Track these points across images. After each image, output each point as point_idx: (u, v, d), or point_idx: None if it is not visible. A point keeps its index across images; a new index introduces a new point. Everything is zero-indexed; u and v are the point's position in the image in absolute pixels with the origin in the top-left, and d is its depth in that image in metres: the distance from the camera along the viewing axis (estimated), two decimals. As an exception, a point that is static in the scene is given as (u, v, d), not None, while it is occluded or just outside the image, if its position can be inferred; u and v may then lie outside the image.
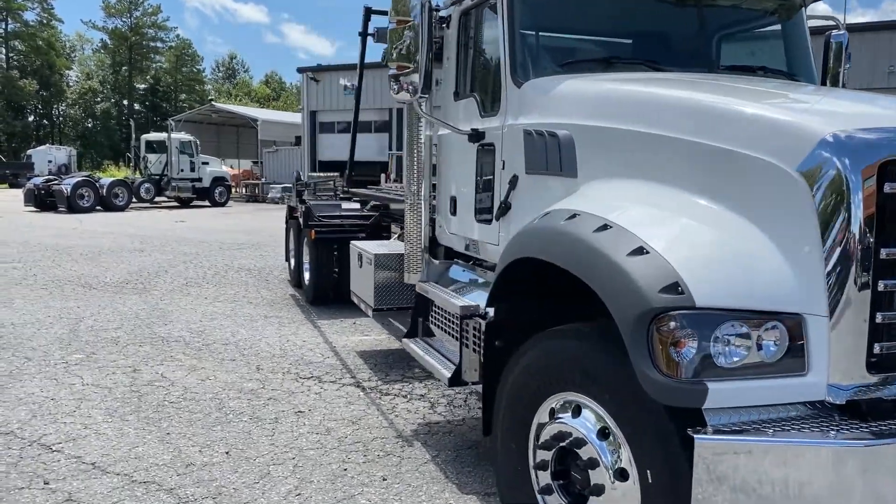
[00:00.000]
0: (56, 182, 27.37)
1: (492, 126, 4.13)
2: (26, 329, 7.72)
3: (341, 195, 10.02)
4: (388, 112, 35.02)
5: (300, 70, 38.43)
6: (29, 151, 53.18)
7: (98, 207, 27.09)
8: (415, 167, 4.94)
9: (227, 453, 4.53)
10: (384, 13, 6.12)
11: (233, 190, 34.96)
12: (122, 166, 56.33)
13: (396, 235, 7.46)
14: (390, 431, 4.96)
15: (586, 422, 2.82)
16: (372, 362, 6.72)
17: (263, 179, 38.24)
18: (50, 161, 46.88)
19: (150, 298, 9.67)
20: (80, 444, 4.61)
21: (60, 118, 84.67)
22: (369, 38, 6.35)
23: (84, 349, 6.96)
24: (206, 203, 31.89)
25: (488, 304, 3.41)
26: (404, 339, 5.13)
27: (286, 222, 11.46)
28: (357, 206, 9.42)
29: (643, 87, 3.31)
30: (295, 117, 45.42)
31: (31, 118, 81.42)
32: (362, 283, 6.57)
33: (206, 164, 32.08)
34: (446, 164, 4.90)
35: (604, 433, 2.76)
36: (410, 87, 4.01)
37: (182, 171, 30.83)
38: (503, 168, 3.96)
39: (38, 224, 21.27)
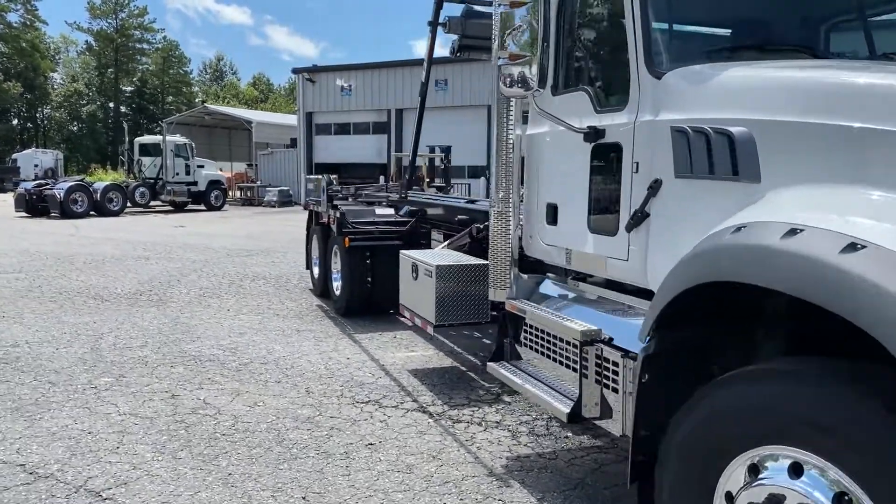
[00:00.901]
0: (48, 186, 26.54)
1: (617, 123, 3.60)
2: (44, 348, 7.10)
3: (382, 200, 9.46)
4: (386, 113, 34.45)
5: (295, 71, 37.75)
6: (14, 155, 52.06)
7: (92, 212, 26.30)
8: (503, 171, 4.40)
9: (303, 498, 3.97)
10: (462, 0, 5.60)
11: (228, 193, 34.20)
12: (110, 170, 55.35)
13: (446, 243, 6.92)
14: (479, 468, 4.41)
15: (815, 484, 2.29)
16: (429, 382, 6.17)
17: (259, 182, 37.52)
18: (36, 165, 45.88)
19: (169, 311, 9.06)
20: (133, 490, 4.03)
21: (45, 121, 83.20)
22: (440, 29, 5.78)
23: (111, 371, 6.36)
24: (202, 207, 31.15)
25: (649, 334, 2.87)
26: (490, 364, 4.59)
27: (308, 229, 10.87)
28: (391, 211, 8.87)
29: (841, 74, 2.79)
30: (290, 119, 44.73)
31: (14, 121, 79.91)
32: (418, 297, 6.04)
33: (202, 167, 31.35)
34: (542, 166, 4.36)
35: (842, 499, 2.24)
36: (524, 79, 3.47)
37: (177, 174, 30.07)
38: (636, 171, 3.44)
39: (33, 230, 20.51)
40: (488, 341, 7.69)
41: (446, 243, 6.94)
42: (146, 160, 30.49)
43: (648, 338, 2.90)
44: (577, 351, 3.61)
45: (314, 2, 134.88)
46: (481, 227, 6.23)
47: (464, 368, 6.65)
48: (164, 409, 5.39)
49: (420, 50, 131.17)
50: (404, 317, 6.51)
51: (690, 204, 3.09)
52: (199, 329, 8.10)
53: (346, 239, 8.30)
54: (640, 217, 3.38)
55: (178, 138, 31.34)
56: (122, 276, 12.00)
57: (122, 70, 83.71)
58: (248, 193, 36.67)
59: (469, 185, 28.62)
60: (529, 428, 5.13)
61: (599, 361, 3.55)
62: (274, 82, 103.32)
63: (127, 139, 32.80)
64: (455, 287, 5.74)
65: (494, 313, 6.06)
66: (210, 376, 6.26)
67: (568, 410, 3.63)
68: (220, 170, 34.61)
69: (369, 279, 8.63)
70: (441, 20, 5.46)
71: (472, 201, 8.16)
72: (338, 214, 8.33)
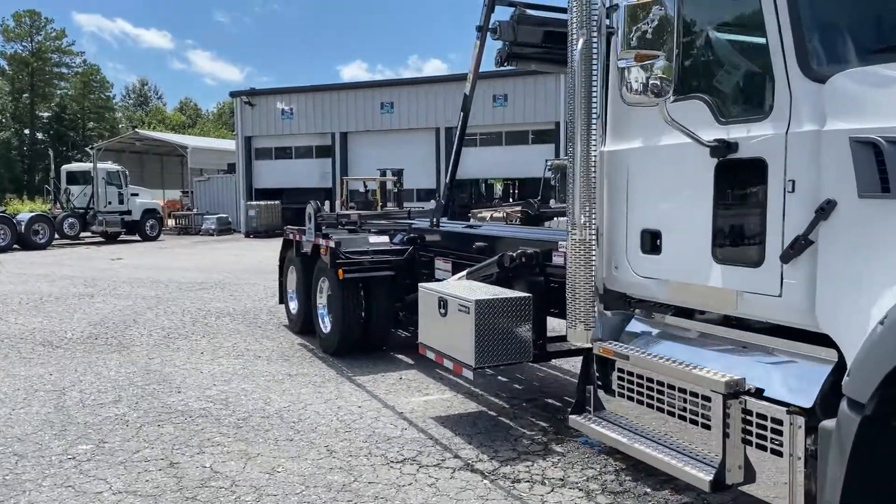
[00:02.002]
0: (-36, 219, 24.48)
1: (755, 135, 3.07)
2: (-3, 410, 6.06)
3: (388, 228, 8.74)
4: (330, 136, 33.59)
5: (233, 94, 36.46)
6: (-79, 186, 48.43)
7: (16, 246, 24.37)
8: (584, 192, 3.82)
9: None
10: (513, 4, 5.01)
11: (164, 222, 32.51)
12: (27, 199, 52.15)
13: (464, 274, 6.27)
14: (569, 540, 3.76)
15: None
16: (462, 432, 5.48)
17: (195, 210, 35.88)
18: (-53, 196, 42.75)
19: (134, 357, 8.05)
20: None
21: (-46, 149, 78.07)
22: (487, 34, 5.17)
23: (88, 436, 5.41)
24: (136, 237, 29.44)
25: (879, 389, 2.31)
26: (575, 419, 3.98)
27: (282, 260, 10.01)
28: (385, 238, 8.17)
29: None
30: (226, 144, 43.23)
31: (-81, 150, 74.66)
32: (448, 336, 5.38)
33: (136, 195, 29.70)
34: (636, 187, 3.80)
35: None
36: (655, 84, 2.90)
37: (110, 203, 28.36)
38: (790, 191, 2.91)
39: (-49, 267, 18.70)
40: (504, 379, 7.07)
41: (464, 273, 6.29)
42: (75, 189, 28.62)
43: (868, 397, 2.34)
44: (715, 404, 3.04)
45: (237, 27, 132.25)
46: (514, 255, 5.62)
47: (493, 413, 5.99)
48: (166, 482, 4.52)
49: (348, 74, 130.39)
50: (429, 358, 5.82)
51: (884, 229, 2.57)
52: (177, 377, 7.16)
53: (341, 271, 7.54)
54: (801, 245, 2.84)
55: (111, 165, 29.65)
56: (68, 316, 10.81)
57: (38, 95, 79.60)
58: (184, 222, 34.98)
59: (422, 207, 28.07)
60: (600, 484, 4.50)
61: (746, 417, 2.98)
62: (204, 107, 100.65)
63: (53, 167, 30.77)
64: (496, 324, 5.13)
65: (537, 352, 5.49)
66: (208, 436, 5.40)
67: (710, 479, 3.04)
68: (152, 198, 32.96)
69: (363, 314, 7.89)
70: (492, 24, 4.89)
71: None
72: (331, 244, 7.57)
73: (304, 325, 9.15)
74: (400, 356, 8.03)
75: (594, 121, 3.76)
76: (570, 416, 3.99)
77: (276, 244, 11.93)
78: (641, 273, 3.76)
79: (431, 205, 32.05)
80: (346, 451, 5.08)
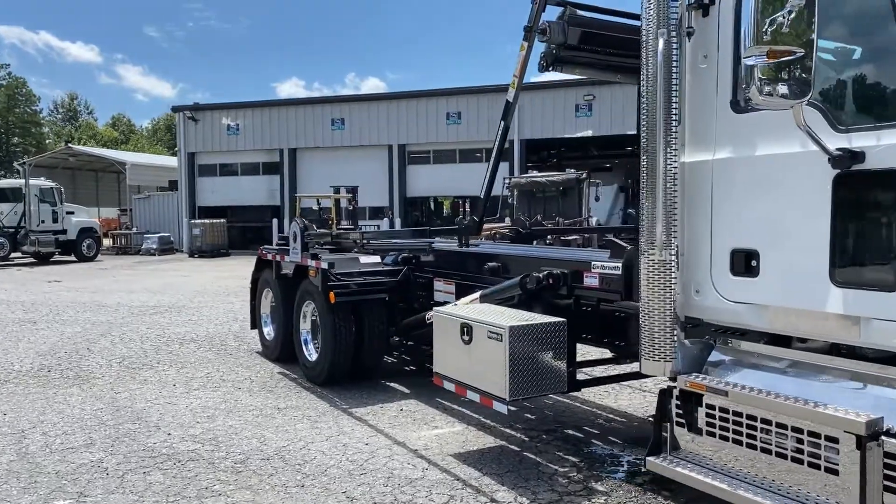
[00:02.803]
0: None
1: (888, 144, 2.75)
2: (-51, 459, 5.26)
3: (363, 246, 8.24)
4: (278, 153, 32.68)
5: (176, 109, 35.11)
6: None
7: (-62, 268, 22.62)
8: (663, 207, 3.45)
9: None
10: (563, 4, 4.59)
11: (101, 242, 30.87)
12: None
13: (476, 296, 5.83)
14: None
15: None
16: (490, 471, 5.01)
17: (135, 229, 34.28)
18: None
19: (98, 392, 7.27)
20: None
21: None
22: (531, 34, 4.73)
23: (64, 488, 4.70)
24: (72, 258, 27.82)
25: None
26: (653, 461, 3.57)
27: (255, 281, 9.34)
28: (377, 259, 7.65)
29: None
30: (167, 160, 41.68)
31: None
32: (474, 366, 4.94)
33: (72, 213, 28.11)
34: (724, 202, 3.44)
35: None
36: (797, 84, 2.55)
37: (43, 222, 26.72)
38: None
39: None
40: (513, 408, 6.62)
41: (477, 296, 5.84)
42: (4, 207, 26.86)
43: None
44: (845, 446, 2.69)
45: (169, 42, 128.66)
46: (541, 276, 5.22)
47: (515, 448, 5.54)
48: (170, 545, 3.89)
49: (284, 91, 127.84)
50: (441, 388, 5.35)
51: None
52: (152, 414, 6.45)
53: (332, 294, 6.98)
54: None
55: (44, 182, 28.01)
56: (12, 346, 9.83)
57: (-42, 108, 75.44)
58: (123, 241, 33.33)
59: (378, 225, 27.41)
60: (661, 528, 4.11)
61: (889, 461, 2.63)
62: (137, 123, 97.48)
63: (-21, 184, 28.87)
64: (530, 352, 4.71)
65: (569, 382, 5.08)
66: (206, 484, 4.77)
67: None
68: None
69: (353, 340, 7.34)
70: (541, 25, 4.48)
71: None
72: (323, 265, 7.01)
73: (282, 351, 8.51)
74: (393, 384, 7.51)
75: (674, 129, 3.40)
76: (648, 459, 3.58)
77: (224, 264, 11.28)
78: (730, 297, 3.40)
79: (384, 223, 31.40)
80: (369, 498, 4.54)
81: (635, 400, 6.90)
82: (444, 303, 6.77)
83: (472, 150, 29.37)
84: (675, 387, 3.51)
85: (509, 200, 24.00)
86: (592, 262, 5.02)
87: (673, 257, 3.46)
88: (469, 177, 29.61)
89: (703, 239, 3.50)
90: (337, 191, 26.01)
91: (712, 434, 3.33)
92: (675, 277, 3.48)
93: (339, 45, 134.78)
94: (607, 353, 5.86)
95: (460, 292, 6.55)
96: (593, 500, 4.50)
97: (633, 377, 5.89)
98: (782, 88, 2.59)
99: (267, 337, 8.99)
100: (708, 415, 3.34)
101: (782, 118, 3.09)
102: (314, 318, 7.75)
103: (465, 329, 5.03)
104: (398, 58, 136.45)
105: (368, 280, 7.29)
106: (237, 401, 6.92)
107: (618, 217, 27.90)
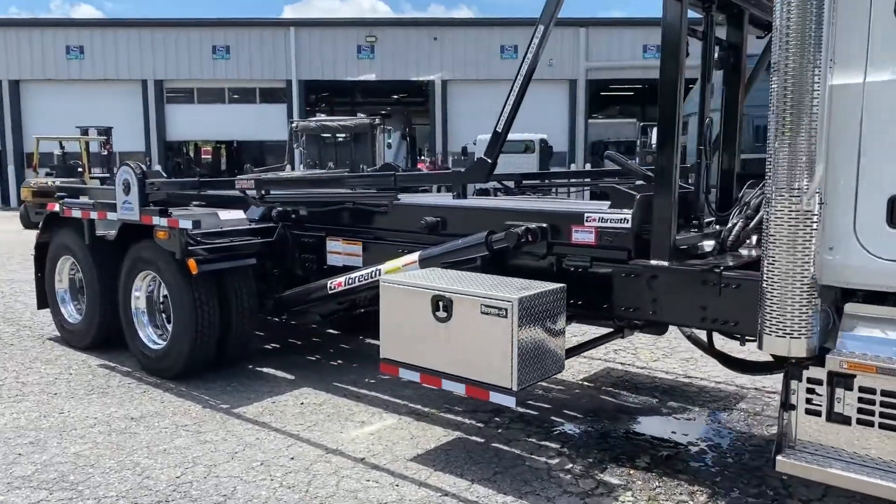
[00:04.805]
0: None
1: None
2: None
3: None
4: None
5: None
6: None
7: None
8: (804, 144, 2.69)
9: None
10: None
11: None
12: None
13: (414, 258, 4.72)
14: None
15: None
16: (470, 475, 4.03)
17: None
18: None
19: None
20: None
21: None
22: None
23: None
24: None
25: None
26: (784, 460, 2.91)
27: (41, 248, 7.04)
28: (240, 214, 6.05)
29: None
30: None
31: None
32: (459, 350, 3.92)
33: None
34: (877, 134, 2.75)
35: None
36: None
37: None
38: None
39: None
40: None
41: (414, 258, 4.71)
42: None
43: None
44: None
45: None
46: (519, 231, 4.26)
47: (477, 439, 4.59)
48: None
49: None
50: (401, 378, 4.24)
51: None
52: (-63, 451, 4.38)
53: (193, 262, 5.32)
54: None
55: None
56: None
57: None
58: None
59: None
60: (723, 526, 3.51)
61: None
62: None
63: None
64: (535, 328, 3.81)
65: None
66: (95, 563, 3.16)
67: None
68: None
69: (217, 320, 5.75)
70: None
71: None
72: (186, 224, 5.28)
73: (97, 337, 6.54)
74: (266, 370, 6.08)
75: (823, 38, 2.64)
76: (780, 459, 2.88)
77: None
78: (886, 255, 2.76)
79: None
80: (353, 542, 3.33)
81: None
82: (344, 268, 5.53)
83: (244, 89, 26.73)
84: (805, 367, 2.84)
85: (295, 146, 22.25)
86: (586, 214, 4.18)
87: (818, 206, 2.74)
88: (241, 119, 27.03)
89: (845, 183, 2.82)
90: (86, 132, 22.06)
91: (867, 423, 2.73)
92: (815, 232, 2.77)
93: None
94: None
95: (371, 254, 5.36)
96: (621, 499, 3.77)
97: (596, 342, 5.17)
98: None
99: (69, 319, 6.86)
100: (863, 400, 2.73)
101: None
102: (150, 292, 5.98)
103: (441, 303, 3.93)
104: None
105: (236, 242, 5.71)
106: (63, 413, 5.03)
107: (403, 164, 27.48)
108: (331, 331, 7.35)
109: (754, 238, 4.24)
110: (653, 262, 3.88)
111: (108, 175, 21.86)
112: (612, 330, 5.03)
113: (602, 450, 4.40)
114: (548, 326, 3.88)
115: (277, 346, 6.92)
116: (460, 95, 27.55)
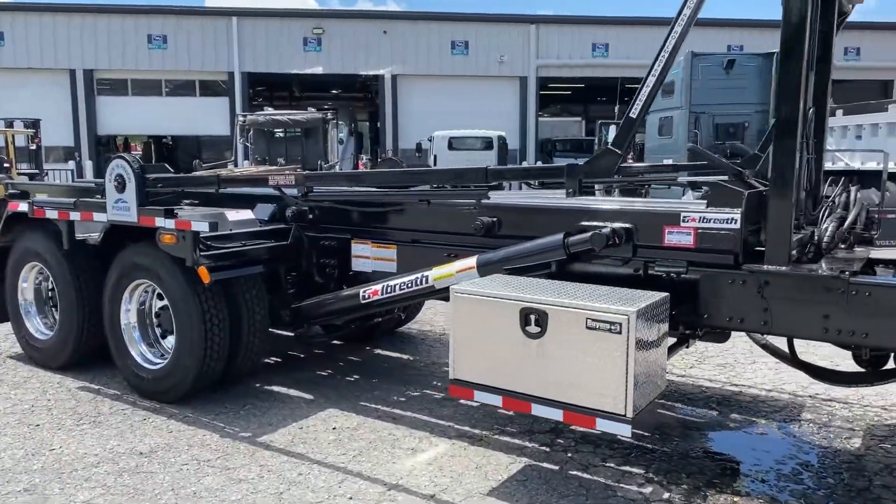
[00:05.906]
0: None
1: None
2: None
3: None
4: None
5: None
6: None
7: None
8: None
9: None
10: None
11: None
12: None
13: (472, 262, 4.21)
14: None
15: None
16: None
17: None
18: None
19: None
20: None
21: None
22: None
23: None
24: None
25: None
26: None
27: (9, 253, 6.14)
28: (249, 214, 5.37)
29: None
30: None
31: None
32: (559, 370, 3.46)
33: None
34: None
35: None
36: None
37: None
38: None
39: None
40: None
41: (472, 262, 4.20)
42: None
43: None
44: None
45: None
46: (606, 233, 3.81)
47: (551, 466, 4.11)
48: None
49: None
50: (484, 404, 3.73)
51: None
52: None
53: (204, 269, 4.63)
54: None
55: None
56: None
57: None
58: None
59: (72, 171, 22.13)
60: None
61: None
62: None
63: None
64: (647, 346, 3.38)
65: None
66: None
67: None
68: None
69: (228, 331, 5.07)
70: None
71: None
72: (200, 227, 4.58)
73: (74, 356, 5.73)
74: (278, 389, 5.44)
75: None
76: None
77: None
78: None
79: (71, 167, 25.80)
80: None
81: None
82: (374, 273, 4.98)
83: (184, 80, 25.36)
84: None
85: (240, 141, 21.26)
86: (684, 214, 3.76)
87: None
88: (178, 113, 25.64)
89: None
90: (10, 125, 20.36)
91: None
92: None
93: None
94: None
95: (405, 259, 4.81)
96: (743, 535, 3.37)
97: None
98: None
99: (37, 335, 6.00)
100: None
101: None
102: (141, 305, 5.26)
103: (532, 316, 3.43)
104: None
105: (249, 246, 5.05)
106: (55, 450, 4.28)
107: (350, 161, 26.73)
108: (332, 342, 6.72)
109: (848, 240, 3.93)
110: (768, 267, 3.50)
111: (36, 171, 20.29)
112: (675, 340, 4.64)
113: (690, 474, 4.00)
114: (656, 341, 3.45)
115: (279, 360, 6.25)
116: (410, 90, 26.93)
